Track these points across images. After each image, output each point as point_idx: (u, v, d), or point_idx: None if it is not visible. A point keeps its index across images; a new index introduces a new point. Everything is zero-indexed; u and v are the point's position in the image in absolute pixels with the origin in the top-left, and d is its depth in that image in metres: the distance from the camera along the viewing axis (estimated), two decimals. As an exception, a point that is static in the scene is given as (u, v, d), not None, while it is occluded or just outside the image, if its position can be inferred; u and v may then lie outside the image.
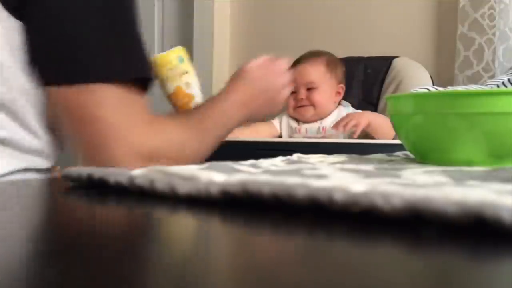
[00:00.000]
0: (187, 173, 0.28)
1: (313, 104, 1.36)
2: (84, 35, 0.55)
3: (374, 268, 0.15)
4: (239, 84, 0.72)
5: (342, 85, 1.41)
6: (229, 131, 0.70)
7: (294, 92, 1.36)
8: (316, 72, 1.37)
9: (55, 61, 0.55)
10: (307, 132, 1.38)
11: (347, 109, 1.40)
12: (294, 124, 1.40)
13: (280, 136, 1.43)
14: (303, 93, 1.36)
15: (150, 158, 0.56)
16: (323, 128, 1.37)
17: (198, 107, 0.70)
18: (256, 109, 0.72)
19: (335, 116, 1.37)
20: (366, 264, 0.15)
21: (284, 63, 0.77)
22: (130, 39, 0.58)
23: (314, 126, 1.38)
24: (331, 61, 1.41)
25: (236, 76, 0.74)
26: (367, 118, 1.25)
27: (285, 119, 1.43)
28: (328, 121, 1.37)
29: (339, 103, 1.42)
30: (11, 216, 0.24)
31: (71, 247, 0.18)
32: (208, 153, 0.66)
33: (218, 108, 0.68)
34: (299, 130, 1.39)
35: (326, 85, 1.37)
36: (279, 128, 1.43)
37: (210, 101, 0.69)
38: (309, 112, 1.37)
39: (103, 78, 0.55)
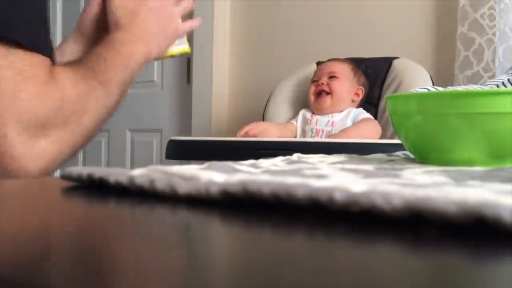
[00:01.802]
0: (187, 173, 0.28)
1: (331, 93, 1.42)
2: None
3: (374, 268, 0.15)
4: (126, 18, 0.63)
5: (362, 88, 1.48)
6: (133, 71, 0.61)
7: (316, 81, 1.46)
8: (341, 67, 1.47)
9: None
10: (317, 124, 1.44)
11: (356, 110, 1.43)
12: (308, 115, 1.47)
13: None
14: (324, 80, 1.44)
15: (42, 125, 0.48)
16: (332, 121, 1.42)
17: (91, 55, 0.59)
18: (155, 41, 0.64)
19: (344, 113, 1.42)
20: (366, 264, 0.15)
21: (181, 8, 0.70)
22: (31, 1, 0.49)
23: (325, 118, 1.43)
24: (356, 67, 1.51)
25: (120, 8, 0.64)
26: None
27: (301, 112, 1.51)
28: (338, 117, 1.42)
29: (357, 107, 1.46)
30: (11, 216, 0.24)
31: (71, 247, 0.18)
32: (119, 102, 0.59)
33: (113, 50, 0.60)
34: (310, 121, 1.46)
35: (347, 79, 1.45)
36: (295, 123, 1.50)
37: (102, 45, 0.60)
38: (327, 102, 1.43)
39: None
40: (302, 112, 1.50)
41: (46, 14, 0.51)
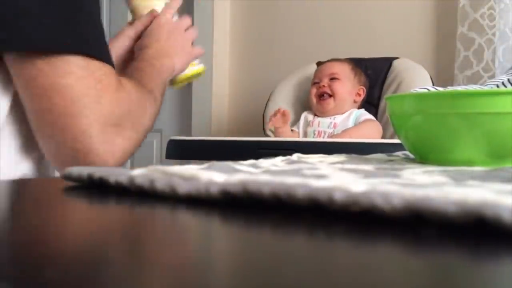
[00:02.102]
0: (187, 173, 0.28)
1: (333, 95, 1.43)
2: (44, 5, 0.52)
3: (374, 268, 0.15)
4: (150, 40, 0.76)
5: (364, 88, 1.48)
6: (164, 82, 0.72)
7: (318, 83, 1.46)
8: (341, 67, 1.47)
9: (15, 28, 0.51)
10: (319, 125, 1.45)
11: (358, 111, 1.43)
12: (310, 117, 1.48)
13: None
14: (325, 82, 1.45)
15: (117, 125, 0.56)
16: (334, 123, 1.43)
17: (131, 69, 0.69)
18: (177, 56, 0.76)
19: (346, 115, 1.43)
20: (366, 264, 0.15)
21: (188, 20, 0.84)
22: (93, 16, 0.57)
23: (326, 120, 1.44)
24: (357, 66, 1.51)
25: (143, 36, 0.77)
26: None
27: (303, 115, 1.51)
28: (340, 118, 1.43)
29: (358, 108, 1.46)
30: (11, 216, 0.24)
31: (71, 247, 0.18)
32: (159, 110, 0.68)
33: (147, 63, 0.70)
34: (312, 123, 1.46)
35: (348, 80, 1.46)
36: (297, 130, 1.51)
37: (137, 60, 0.71)
38: (330, 104, 1.43)
39: (67, 47, 0.52)
40: (304, 115, 1.51)
41: (103, 27, 0.60)
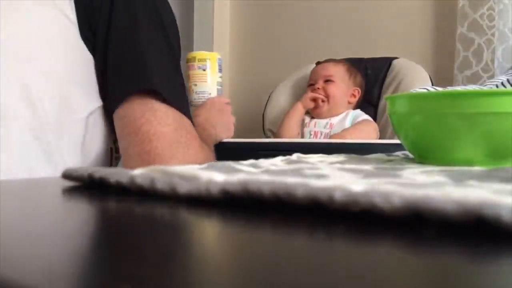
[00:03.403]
0: (187, 173, 0.28)
1: (327, 96, 1.43)
2: (150, 57, 0.64)
3: (374, 268, 0.15)
4: (201, 111, 0.97)
5: (359, 89, 1.48)
6: (211, 145, 0.85)
7: (313, 85, 1.47)
8: (336, 69, 1.48)
9: (125, 77, 0.64)
10: (316, 126, 1.46)
11: (354, 112, 1.43)
12: (306, 118, 1.48)
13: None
14: (320, 84, 1.45)
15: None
16: (330, 123, 1.43)
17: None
18: (219, 128, 0.94)
19: (342, 116, 1.42)
20: (366, 264, 0.15)
21: (229, 108, 1.03)
22: (179, 70, 0.70)
23: (323, 120, 1.45)
24: (352, 67, 1.51)
25: (201, 106, 0.99)
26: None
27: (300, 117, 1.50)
28: (337, 119, 1.43)
29: (356, 108, 1.46)
30: (11, 216, 0.24)
31: (71, 247, 0.18)
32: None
33: (199, 128, 0.83)
34: (309, 124, 1.47)
35: (343, 82, 1.46)
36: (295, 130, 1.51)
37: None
38: (323, 108, 1.44)
39: (170, 98, 0.63)
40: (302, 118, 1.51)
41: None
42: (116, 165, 0.75)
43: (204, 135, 0.83)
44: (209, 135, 0.87)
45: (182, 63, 0.79)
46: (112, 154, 0.72)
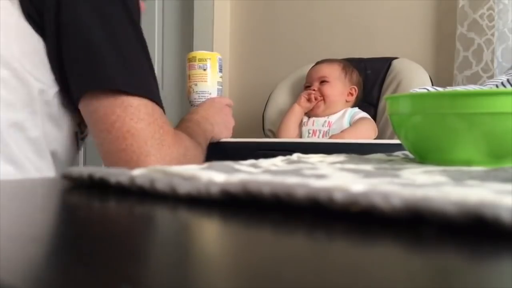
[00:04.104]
0: (187, 173, 0.28)
1: (323, 97, 1.43)
2: (113, 50, 0.62)
3: (374, 268, 0.15)
4: (202, 108, 0.95)
5: (356, 87, 1.47)
6: (207, 141, 0.83)
7: (308, 86, 1.47)
8: (331, 69, 1.47)
9: (91, 70, 0.61)
10: (314, 124, 1.45)
11: (352, 110, 1.43)
12: (305, 118, 1.48)
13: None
14: (315, 85, 1.45)
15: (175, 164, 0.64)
16: (329, 122, 1.43)
17: (181, 126, 0.81)
18: (217, 126, 0.91)
19: (340, 114, 1.42)
20: (366, 264, 0.15)
21: (231, 109, 1.01)
22: (152, 66, 0.67)
23: (321, 119, 1.44)
24: (348, 65, 1.50)
25: (200, 105, 0.97)
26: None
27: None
28: (335, 118, 1.43)
29: (353, 107, 1.46)
30: (11, 216, 0.24)
31: (71, 247, 0.18)
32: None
33: (195, 124, 0.83)
34: (307, 123, 1.46)
35: (339, 81, 1.45)
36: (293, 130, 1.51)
37: (186, 120, 0.85)
38: (320, 107, 1.44)
39: (138, 91, 0.62)
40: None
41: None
42: (81, 147, 0.74)
43: (198, 130, 0.81)
44: (205, 130, 0.85)
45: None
46: (77, 137, 0.71)
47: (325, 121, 1.43)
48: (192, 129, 0.79)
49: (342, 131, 1.36)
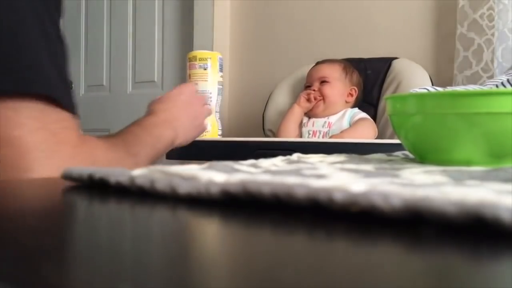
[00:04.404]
0: (187, 173, 0.28)
1: (323, 97, 1.43)
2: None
3: (374, 268, 0.15)
4: (161, 107, 0.73)
5: (356, 88, 1.47)
6: (159, 151, 0.69)
7: (308, 86, 1.47)
8: (331, 69, 1.47)
9: None
10: (314, 125, 1.45)
11: (352, 110, 1.43)
12: (305, 119, 1.47)
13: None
14: (315, 86, 1.45)
15: None
16: (329, 122, 1.43)
17: (124, 130, 0.67)
18: (182, 129, 0.74)
19: (340, 114, 1.41)
20: (366, 264, 0.15)
21: (204, 97, 0.84)
22: (57, 58, 0.53)
23: (321, 120, 1.44)
24: (348, 66, 1.50)
25: (158, 100, 0.75)
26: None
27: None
28: (334, 118, 1.43)
29: (352, 107, 1.46)
30: (11, 216, 0.24)
31: (71, 247, 0.18)
32: None
33: (144, 130, 0.67)
34: (307, 124, 1.46)
35: (339, 82, 1.45)
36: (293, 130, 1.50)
37: (135, 124, 0.69)
38: (320, 107, 1.43)
39: (19, 88, 0.49)
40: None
41: (66, 71, 0.55)
42: None
43: (146, 137, 0.66)
44: (159, 136, 0.68)
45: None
46: None
47: (325, 122, 1.44)
48: (134, 136, 0.65)
49: (342, 131, 1.36)
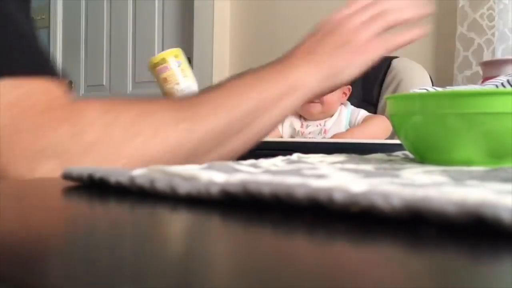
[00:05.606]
0: (187, 173, 0.28)
1: (321, 102, 1.40)
2: None
3: (374, 268, 0.15)
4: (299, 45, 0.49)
5: (349, 87, 1.45)
6: (272, 103, 0.49)
7: None
8: None
9: None
10: (309, 132, 1.43)
11: (348, 108, 1.43)
12: (297, 125, 1.43)
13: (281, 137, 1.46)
14: None
15: (59, 155, 0.43)
16: (325, 129, 1.41)
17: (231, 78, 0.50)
18: (319, 63, 0.51)
19: (336, 117, 1.40)
20: (366, 264, 0.15)
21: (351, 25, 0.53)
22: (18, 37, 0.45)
23: (316, 128, 1.41)
24: None
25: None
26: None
27: (289, 119, 1.45)
28: (330, 122, 1.41)
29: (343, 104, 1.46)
30: (11, 216, 0.24)
31: (71, 247, 0.18)
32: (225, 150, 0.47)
33: (251, 75, 0.49)
34: (302, 133, 1.43)
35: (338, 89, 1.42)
36: (281, 131, 1.45)
37: (248, 72, 0.50)
38: (316, 109, 1.40)
39: None
40: (290, 120, 1.46)
41: (40, 42, 0.46)
42: None
43: (250, 82, 0.49)
44: (267, 81, 0.49)
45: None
46: None
47: (321, 129, 1.41)
48: (226, 87, 0.49)
49: (349, 130, 1.33)
